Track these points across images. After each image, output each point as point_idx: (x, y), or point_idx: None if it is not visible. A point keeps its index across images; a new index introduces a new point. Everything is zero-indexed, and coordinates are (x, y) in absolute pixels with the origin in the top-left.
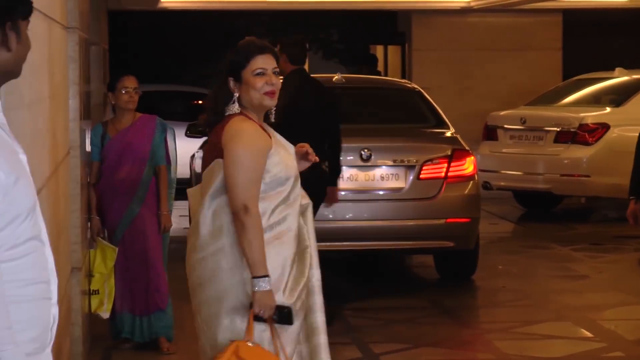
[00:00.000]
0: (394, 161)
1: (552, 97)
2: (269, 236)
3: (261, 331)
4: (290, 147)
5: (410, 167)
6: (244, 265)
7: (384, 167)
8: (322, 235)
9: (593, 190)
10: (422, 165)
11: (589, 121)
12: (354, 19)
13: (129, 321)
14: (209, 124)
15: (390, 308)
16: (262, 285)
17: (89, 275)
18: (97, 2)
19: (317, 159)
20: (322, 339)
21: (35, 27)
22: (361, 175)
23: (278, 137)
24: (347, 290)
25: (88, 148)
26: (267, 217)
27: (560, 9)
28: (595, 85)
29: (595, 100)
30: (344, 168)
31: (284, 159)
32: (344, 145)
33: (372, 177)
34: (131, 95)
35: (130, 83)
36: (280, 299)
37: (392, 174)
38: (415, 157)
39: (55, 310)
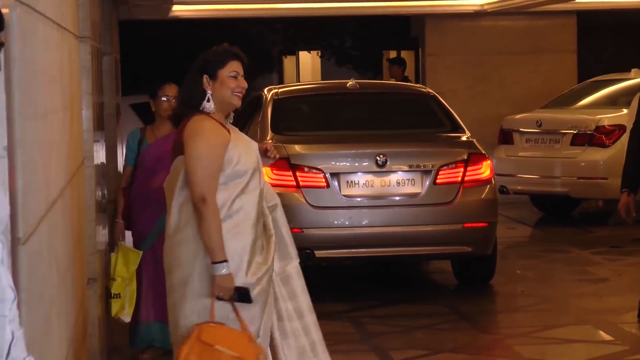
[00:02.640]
0: (410, 166)
1: (568, 99)
2: (229, 225)
3: (228, 312)
4: (253, 143)
5: (426, 172)
6: (206, 253)
7: (399, 172)
8: (338, 242)
9: (611, 192)
10: (438, 170)
11: (606, 123)
12: (366, 24)
13: (159, 330)
14: (177, 116)
15: (409, 315)
16: (221, 269)
17: (111, 279)
18: (109, 12)
19: (277, 156)
20: (309, 318)
21: (49, 36)
22: (377, 181)
23: (239, 134)
24: (364, 297)
25: (121, 154)
26: (227, 207)
27: (574, 11)
28: (611, 87)
29: (612, 102)
30: (360, 174)
31: (242, 153)
32: (360, 151)
33: (388, 182)
34: (171, 103)
35: (170, 91)
36: (243, 279)
37: (408, 179)
38: (431, 162)
39: (12, 327)
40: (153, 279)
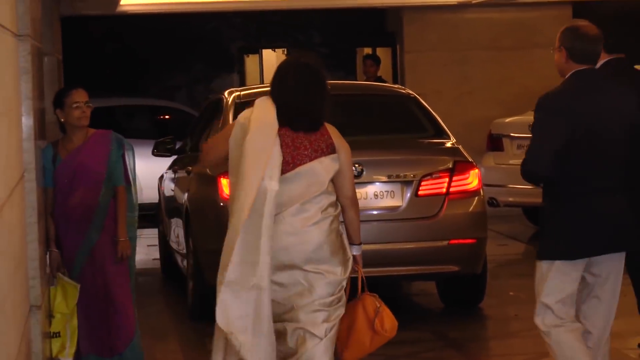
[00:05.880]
0: (389, 177)
1: None
2: None
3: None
4: None
5: (407, 183)
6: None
7: (377, 183)
8: None
9: None
10: (420, 181)
11: None
12: (337, 19)
13: None
14: (315, 126)
15: (391, 342)
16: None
17: (49, 316)
18: (50, 8)
19: None
20: None
21: None
22: None
23: None
24: None
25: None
26: None
27: (569, 1)
28: None
29: None
30: None
31: None
32: None
33: (364, 195)
34: (84, 110)
35: (81, 97)
36: None
37: (387, 191)
38: (413, 171)
39: None
40: (85, 308)
